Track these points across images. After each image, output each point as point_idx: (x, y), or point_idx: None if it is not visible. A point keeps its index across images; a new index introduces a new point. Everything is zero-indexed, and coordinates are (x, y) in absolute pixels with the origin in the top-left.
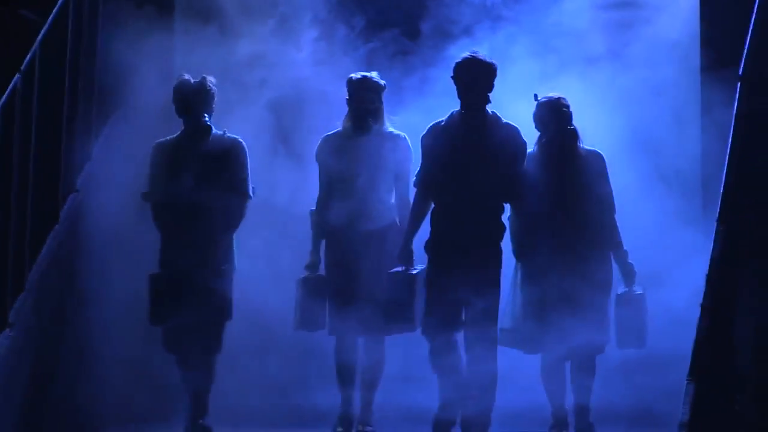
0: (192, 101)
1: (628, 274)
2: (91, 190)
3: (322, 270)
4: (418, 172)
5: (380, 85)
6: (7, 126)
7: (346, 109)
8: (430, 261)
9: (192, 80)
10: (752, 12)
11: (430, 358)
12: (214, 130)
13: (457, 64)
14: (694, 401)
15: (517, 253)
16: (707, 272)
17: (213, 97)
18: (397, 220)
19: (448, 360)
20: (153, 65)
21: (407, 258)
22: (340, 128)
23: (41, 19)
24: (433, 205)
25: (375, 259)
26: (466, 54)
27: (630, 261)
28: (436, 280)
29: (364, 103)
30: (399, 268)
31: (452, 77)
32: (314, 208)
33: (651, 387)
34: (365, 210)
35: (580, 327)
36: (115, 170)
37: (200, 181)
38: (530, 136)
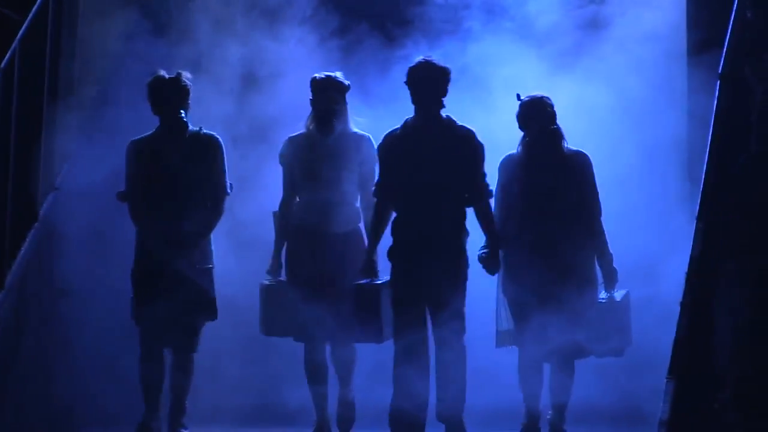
0: (167, 97)
1: (611, 279)
2: (71, 189)
3: (283, 274)
4: (377, 181)
5: (344, 84)
6: None
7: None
8: (393, 268)
9: (167, 76)
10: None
11: (395, 362)
12: (190, 127)
13: (411, 68)
14: (674, 399)
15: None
16: (687, 270)
17: (188, 93)
18: (362, 224)
19: (414, 365)
20: (134, 63)
21: (371, 269)
22: (303, 129)
23: (22, 18)
24: (394, 214)
25: (338, 263)
26: (419, 58)
27: (614, 266)
28: (401, 287)
29: (328, 104)
30: (364, 281)
31: (406, 82)
32: (276, 210)
33: (634, 385)
34: (329, 213)
35: (562, 328)
36: (95, 169)
37: (178, 180)
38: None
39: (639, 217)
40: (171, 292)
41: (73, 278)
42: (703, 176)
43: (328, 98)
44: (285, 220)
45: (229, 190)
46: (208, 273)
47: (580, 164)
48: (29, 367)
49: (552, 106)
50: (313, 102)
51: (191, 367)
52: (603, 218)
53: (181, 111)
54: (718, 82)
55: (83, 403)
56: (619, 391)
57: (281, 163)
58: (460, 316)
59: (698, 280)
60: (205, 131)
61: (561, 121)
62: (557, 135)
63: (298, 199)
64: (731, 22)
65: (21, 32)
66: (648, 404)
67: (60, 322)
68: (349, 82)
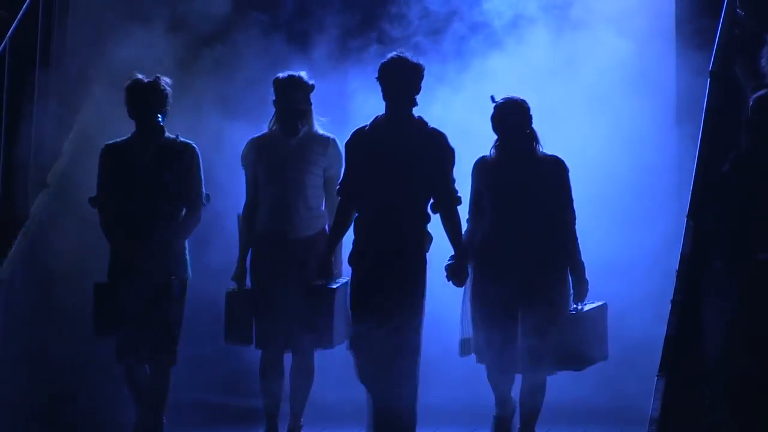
0: (144, 102)
1: (581, 290)
2: (61, 186)
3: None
4: (341, 180)
5: (309, 84)
6: None
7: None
8: (354, 273)
9: (145, 80)
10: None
11: (357, 371)
12: (166, 133)
13: (383, 65)
14: (665, 396)
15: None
16: (677, 268)
17: (167, 98)
18: (327, 228)
19: (377, 372)
20: (125, 60)
21: (327, 271)
22: (266, 130)
23: (12, 16)
24: (356, 215)
25: (301, 269)
26: (392, 54)
27: (586, 277)
28: (360, 293)
29: (292, 104)
30: (319, 282)
31: (377, 78)
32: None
33: (626, 382)
34: (294, 217)
35: (530, 342)
36: (86, 166)
37: (151, 187)
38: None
39: (632, 211)
40: (142, 304)
41: (64, 276)
42: (694, 174)
43: (291, 98)
44: (249, 224)
45: (205, 201)
46: (177, 283)
47: (554, 169)
48: (20, 366)
49: (528, 109)
50: (276, 102)
51: (167, 383)
52: (597, 214)
53: (159, 116)
54: (708, 79)
55: (74, 398)
56: (611, 388)
57: (244, 165)
58: (413, 328)
59: (689, 278)
60: (182, 139)
61: (554, 107)
62: (531, 138)
63: (261, 203)
64: (721, 19)
65: (11, 30)
66: (639, 402)
67: (51, 321)
68: (313, 82)
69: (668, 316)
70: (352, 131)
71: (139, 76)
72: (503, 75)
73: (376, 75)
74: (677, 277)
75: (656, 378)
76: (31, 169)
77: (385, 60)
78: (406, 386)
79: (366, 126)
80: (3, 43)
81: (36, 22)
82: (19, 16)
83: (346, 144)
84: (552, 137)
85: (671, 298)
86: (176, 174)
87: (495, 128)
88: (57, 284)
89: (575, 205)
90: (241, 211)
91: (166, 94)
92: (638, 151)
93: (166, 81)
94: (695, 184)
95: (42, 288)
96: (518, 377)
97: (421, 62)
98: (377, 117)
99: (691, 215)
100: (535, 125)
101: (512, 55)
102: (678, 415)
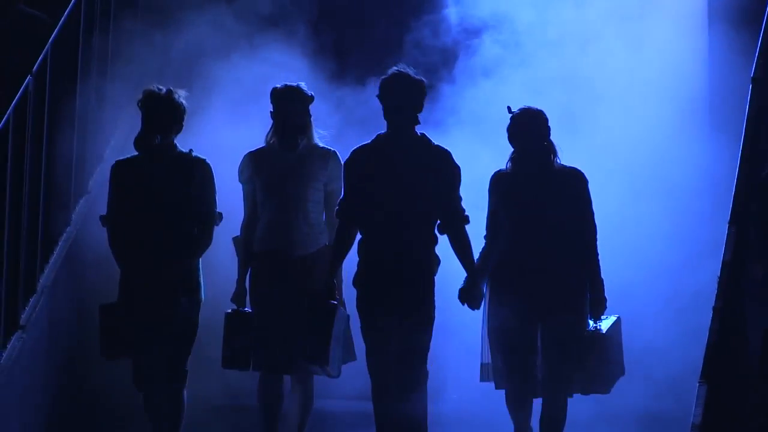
0: (154, 115)
1: (598, 308)
2: (103, 193)
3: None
4: (341, 200)
5: (308, 96)
6: (19, 128)
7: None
8: (359, 296)
9: (158, 91)
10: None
11: (373, 398)
12: (178, 148)
13: (383, 80)
14: (707, 403)
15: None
16: (719, 274)
17: (179, 112)
18: (328, 244)
19: (393, 399)
20: (166, 65)
21: (330, 293)
22: (263, 144)
23: (52, 19)
24: (360, 236)
25: (304, 287)
26: (392, 70)
27: (604, 295)
28: (367, 315)
29: (291, 117)
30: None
31: (378, 96)
32: (237, 235)
33: (671, 389)
34: (294, 234)
35: (550, 363)
36: None
37: (163, 205)
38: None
39: (671, 216)
40: (153, 326)
41: (105, 282)
42: (735, 181)
43: (291, 110)
44: (248, 242)
45: (217, 220)
46: (189, 303)
47: (573, 182)
48: (62, 370)
49: (546, 120)
50: (274, 114)
51: (181, 405)
52: (636, 218)
53: (158, 135)
54: (750, 85)
55: (114, 403)
56: (655, 395)
57: (241, 181)
58: (422, 352)
59: (730, 285)
60: (195, 154)
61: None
62: (549, 151)
63: (260, 220)
64: (764, 23)
65: (53, 36)
66: (679, 406)
67: (92, 326)
68: (312, 93)
69: (709, 323)
70: (352, 150)
71: (153, 87)
72: (529, 77)
73: (377, 93)
74: (718, 283)
75: (698, 384)
76: (73, 175)
77: (385, 76)
78: (416, 398)
79: (366, 145)
80: (45, 49)
81: (77, 28)
82: (61, 21)
83: (345, 164)
84: (583, 141)
85: (712, 304)
86: (188, 191)
87: (511, 139)
88: (98, 290)
89: (607, 212)
90: (236, 233)
91: (180, 107)
92: (672, 155)
93: (179, 94)
94: (737, 191)
95: (83, 294)
96: (536, 405)
97: (423, 78)
98: (378, 135)
99: (732, 222)
100: (564, 129)
101: (538, 58)
102: (720, 422)
